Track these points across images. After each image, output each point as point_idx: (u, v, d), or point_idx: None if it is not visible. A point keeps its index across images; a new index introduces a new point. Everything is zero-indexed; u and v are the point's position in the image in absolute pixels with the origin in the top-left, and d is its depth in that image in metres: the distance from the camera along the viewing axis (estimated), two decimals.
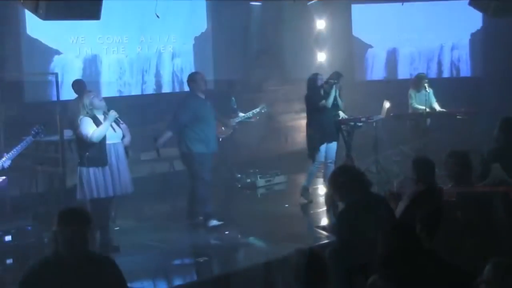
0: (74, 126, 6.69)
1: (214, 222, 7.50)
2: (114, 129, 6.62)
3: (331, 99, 8.56)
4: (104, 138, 6.51)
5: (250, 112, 9.84)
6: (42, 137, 6.82)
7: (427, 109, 10.02)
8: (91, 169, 6.49)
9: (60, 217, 3.62)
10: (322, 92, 8.62)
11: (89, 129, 6.46)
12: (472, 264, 3.67)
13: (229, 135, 9.39)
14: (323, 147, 8.50)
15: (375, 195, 5.02)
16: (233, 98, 9.83)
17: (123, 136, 6.76)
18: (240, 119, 9.77)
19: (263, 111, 9.92)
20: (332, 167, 8.32)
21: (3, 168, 6.66)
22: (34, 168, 7.86)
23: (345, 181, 4.81)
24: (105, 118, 6.56)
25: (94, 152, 6.48)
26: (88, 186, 6.49)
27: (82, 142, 6.55)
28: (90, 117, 6.52)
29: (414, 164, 5.11)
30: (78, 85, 8.86)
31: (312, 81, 8.60)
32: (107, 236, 6.74)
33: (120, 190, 6.68)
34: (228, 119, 9.22)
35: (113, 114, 6.58)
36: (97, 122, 6.52)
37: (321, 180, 9.19)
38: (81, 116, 6.53)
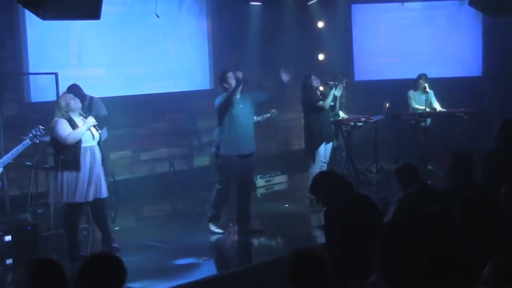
0: (49, 127, 6.47)
1: (214, 228, 7.39)
2: (92, 134, 6.44)
3: (329, 100, 8.51)
4: (79, 142, 6.31)
5: (260, 117, 9.79)
6: (40, 140, 6.79)
7: (427, 109, 10.02)
8: (65, 173, 6.30)
9: (82, 267, 3.12)
10: (318, 92, 8.56)
11: (66, 130, 6.28)
12: (472, 264, 3.67)
13: None
14: (322, 147, 8.48)
15: (358, 194, 5.05)
16: None
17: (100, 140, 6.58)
18: None
19: (273, 116, 9.87)
20: (325, 167, 8.38)
21: None
22: (34, 168, 7.85)
23: (323, 186, 4.85)
24: (84, 121, 6.41)
25: (68, 156, 6.29)
26: (60, 190, 6.31)
27: (57, 145, 6.38)
28: (66, 119, 6.35)
29: (397, 173, 5.19)
30: (73, 91, 8.75)
31: (308, 82, 8.47)
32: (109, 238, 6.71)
33: (94, 194, 6.45)
34: None
35: (91, 121, 6.40)
36: (73, 124, 6.35)
37: None
38: (56, 118, 6.35)
